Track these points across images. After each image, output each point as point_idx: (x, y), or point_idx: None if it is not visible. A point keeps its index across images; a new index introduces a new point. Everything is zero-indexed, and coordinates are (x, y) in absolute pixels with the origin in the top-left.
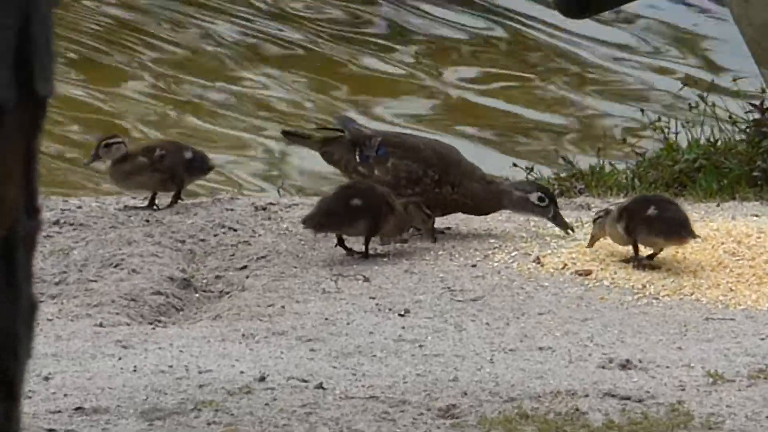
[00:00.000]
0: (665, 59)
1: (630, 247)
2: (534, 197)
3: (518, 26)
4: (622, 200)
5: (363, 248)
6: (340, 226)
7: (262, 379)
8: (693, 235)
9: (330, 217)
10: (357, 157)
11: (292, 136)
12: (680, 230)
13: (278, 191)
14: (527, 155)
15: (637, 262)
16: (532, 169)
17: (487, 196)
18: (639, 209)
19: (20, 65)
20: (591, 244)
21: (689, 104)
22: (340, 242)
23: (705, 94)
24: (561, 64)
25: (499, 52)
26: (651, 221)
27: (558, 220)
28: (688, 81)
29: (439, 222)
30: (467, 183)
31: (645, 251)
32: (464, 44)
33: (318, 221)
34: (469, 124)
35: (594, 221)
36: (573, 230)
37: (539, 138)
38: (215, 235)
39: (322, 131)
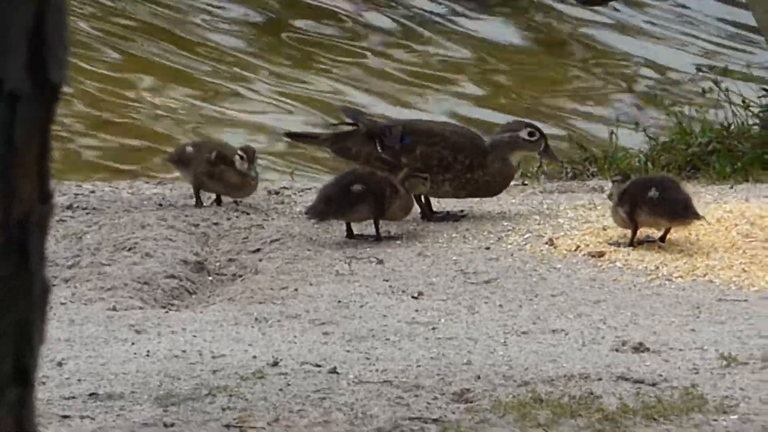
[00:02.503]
0: (679, 43)
1: (642, 230)
2: (524, 133)
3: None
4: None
5: (374, 231)
6: (343, 213)
7: (276, 363)
8: (697, 216)
9: (331, 204)
10: (378, 147)
11: (297, 137)
12: (685, 211)
13: (291, 175)
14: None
15: (636, 244)
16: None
17: (506, 172)
18: (640, 191)
19: (34, 54)
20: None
21: (702, 89)
22: (350, 233)
23: (718, 79)
24: (574, 47)
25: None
26: (654, 202)
27: (548, 153)
28: (701, 66)
29: (452, 205)
30: (491, 164)
31: (656, 233)
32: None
33: (321, 209)
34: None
35: (612, 181)
36: (562, 162)
37: (551, 121)
38: (228, 219)
39: (331, 127)
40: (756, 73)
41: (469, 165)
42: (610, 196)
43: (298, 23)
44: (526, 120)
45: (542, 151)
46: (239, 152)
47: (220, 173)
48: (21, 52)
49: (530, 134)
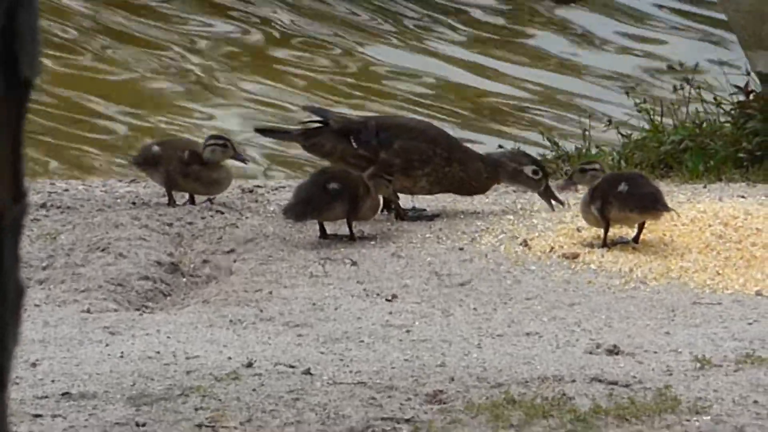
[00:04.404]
0: (651, 41)
1: (617, 231)
2: (528, 170)
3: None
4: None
5: (348, 232)
6: (319, 211)
7: (250, 365)
8: (667, 208)
9: (309, 204)
10: (353, 143)
11: (267, 133)
12: (654, 204)
13: (264, 173)
14: (512, 137)
15: (609, 245)
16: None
17: (487, 174)
18: (610, 187)
19: (5, 51)
20: (562, 186)
21: (674, 86)
22: (323, 233)
23: (690, 77)
24: (545, 45)
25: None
26: (623, 197)
27: (548, 194)
28: (673, 63)
29: (425, 205)
30: (470, 161)
31: (630, 233)
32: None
33: (299, 210)
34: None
35: (583, 170)
36: (563, 204)
37: (523, 119)
38: (203, 218)
39: (302, 124)
40: (728, 71)
41: (447, 158)
42: (569, 178)
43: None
44: (531, 155)
45: (542, 191)
46: (216, 141)
47: (196, 172)
48: None
49: (534, 172)
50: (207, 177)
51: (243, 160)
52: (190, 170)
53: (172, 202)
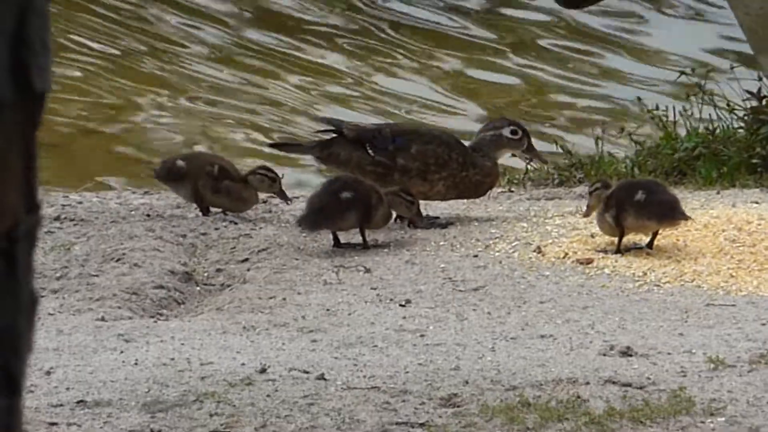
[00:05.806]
0: (661, 46)
1: (631, 236)
2: (507, 131)
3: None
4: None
5: (361, 240)
6: (333, 221)
7: (264, 370)
8: (685, 217)
9: (322, 213)
10: (370, 151)
11: (283, 147)
12: (672, 212)
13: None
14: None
15: (623, 251)
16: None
17: (495, 172)
18: (626, 195)
19: (17, 60)
20: (587, 214)
21: (686, 93)
22: (337, 242)
23: (703, 82)
24: (554, 49)
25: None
26: (640, 205)
27: (532, 152)
28: (684, 70)
29: (438, 213)
30: (480, 162)
31: (644, 239)
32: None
33: (313, 220)
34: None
35: (590, 192)
36: (547, 162)
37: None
38: (216, 229)
39: (315, 135)
40: (739, 75)
41: (462, 162)
42: (590, 208)
43: None
44: (509, 118)
45: (526, 149)
46: (267, 173)
47: (227, 187)
48: (2, 59)
49: (513, 132)
50: (237, 193)
51: (286, 199)
52: (221, 186)
53: (204, 212)
